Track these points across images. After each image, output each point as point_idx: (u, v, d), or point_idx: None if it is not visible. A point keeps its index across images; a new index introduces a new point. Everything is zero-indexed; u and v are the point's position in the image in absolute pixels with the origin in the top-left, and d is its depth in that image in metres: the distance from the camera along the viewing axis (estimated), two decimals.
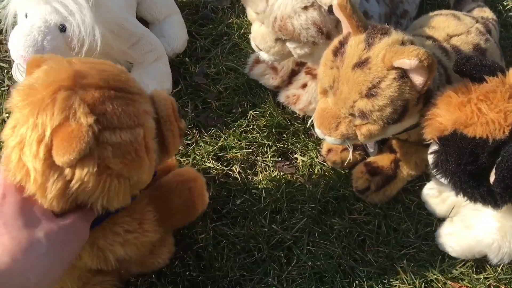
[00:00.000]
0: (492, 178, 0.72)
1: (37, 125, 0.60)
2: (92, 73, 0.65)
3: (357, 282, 0.93)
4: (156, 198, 0.83)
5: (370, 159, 1.03)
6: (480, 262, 0.94)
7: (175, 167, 0.97)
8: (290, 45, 0.95)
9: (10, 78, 1.20)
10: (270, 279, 0.94)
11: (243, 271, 0.95)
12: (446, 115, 0.77)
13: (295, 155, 1.11)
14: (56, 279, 0.63)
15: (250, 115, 1.15)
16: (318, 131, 0.88)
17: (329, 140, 0.87)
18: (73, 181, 0.62)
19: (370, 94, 0.78)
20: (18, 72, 1.07)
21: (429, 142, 0.83)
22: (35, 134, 0.60)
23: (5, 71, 1.22)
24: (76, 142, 0.58)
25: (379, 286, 0.93)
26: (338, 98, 0.82)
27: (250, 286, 0.93)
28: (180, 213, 0.86)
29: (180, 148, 1.10)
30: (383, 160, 1.01)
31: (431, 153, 0.81)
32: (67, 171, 0.61)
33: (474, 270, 0.94)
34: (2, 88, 1.19)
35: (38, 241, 0.61)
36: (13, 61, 1.05)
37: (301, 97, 1.10)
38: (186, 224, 0.95)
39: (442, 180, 0.81)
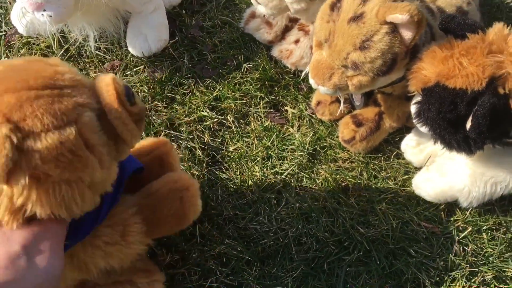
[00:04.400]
0: (468, 124, 0.80)
1: None
2: (8, 76, 0.58)
3: (340, 221, 1.02)
4: (145, 208, 0.78)
5: (356, 111, 1.11)
6: (451, 207, 1.04)
7: (166, 144, 0.90)
8: (287, 0, 1.00)
9: (8, 24, 1.21)
10: (261, 218, 1.02)
11: (236, 211, 1.03)
12: (430, 68, 0.84)
13: (286, 107, 1.17)
14: (53, 279, 0.60)
15: (244, 68, 1.20)
16: (312, 82, 0.94)
17: (322, 90, 0.94)
18: (15, 197, 0.57)
19: (363, 46, 0.84)
20: (17, 18, 1.09)
21: (413, 94, 0.91)
22: None
23: (2, 16, 1.23)
24: None
25: (360, 225, 1.02)
26: (333, 50, 0.88)
27: (243, 223, 1.01)
28: (170, 224, 0.81)
29: (177, 97, 1.15)
30: (368, 113, 1.09)
31: (415, 103, 0.89)
32: (5, 188, 0.57)
33: (446, 213, 1.04)
34: None
35: (17, 255, 0.57)
36: (11, 3, 1.07)
37: (293, 51, 1.16)
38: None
39: (423, 128, 0.89)
